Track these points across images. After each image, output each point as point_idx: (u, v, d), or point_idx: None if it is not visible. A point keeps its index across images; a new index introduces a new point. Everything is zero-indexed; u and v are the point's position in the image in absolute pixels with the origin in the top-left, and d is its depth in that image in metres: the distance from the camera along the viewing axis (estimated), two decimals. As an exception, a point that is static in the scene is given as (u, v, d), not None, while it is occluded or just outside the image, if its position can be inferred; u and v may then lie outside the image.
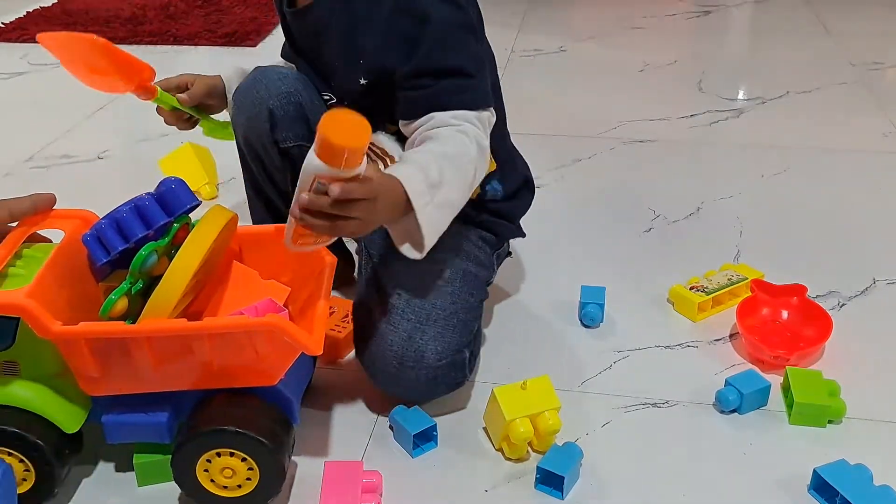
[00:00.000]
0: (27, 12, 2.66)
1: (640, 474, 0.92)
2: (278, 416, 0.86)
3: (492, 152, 1.04)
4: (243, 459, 0.84)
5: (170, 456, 0.90)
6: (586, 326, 1.16)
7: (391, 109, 1.01)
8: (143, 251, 0.84)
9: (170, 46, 2.37)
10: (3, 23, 2.57)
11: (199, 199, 0.89)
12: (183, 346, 0.82)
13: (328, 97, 1.07)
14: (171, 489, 0.89)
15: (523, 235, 1.18)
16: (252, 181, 1.15)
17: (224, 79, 1.16)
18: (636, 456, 0.95)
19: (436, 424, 0.96)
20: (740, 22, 2.60)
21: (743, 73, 2.15)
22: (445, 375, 0.97)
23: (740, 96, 1.98)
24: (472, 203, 1.06)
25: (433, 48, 0.95)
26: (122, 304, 0.84)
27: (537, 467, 0.90)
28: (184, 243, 0.82)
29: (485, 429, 0.98)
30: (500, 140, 1.09)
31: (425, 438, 0.96)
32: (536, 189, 1.18)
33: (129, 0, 2.70)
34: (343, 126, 0.75)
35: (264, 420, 0.85)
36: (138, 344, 0.81)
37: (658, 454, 0.95)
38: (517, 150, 1.18)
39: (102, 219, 0.87)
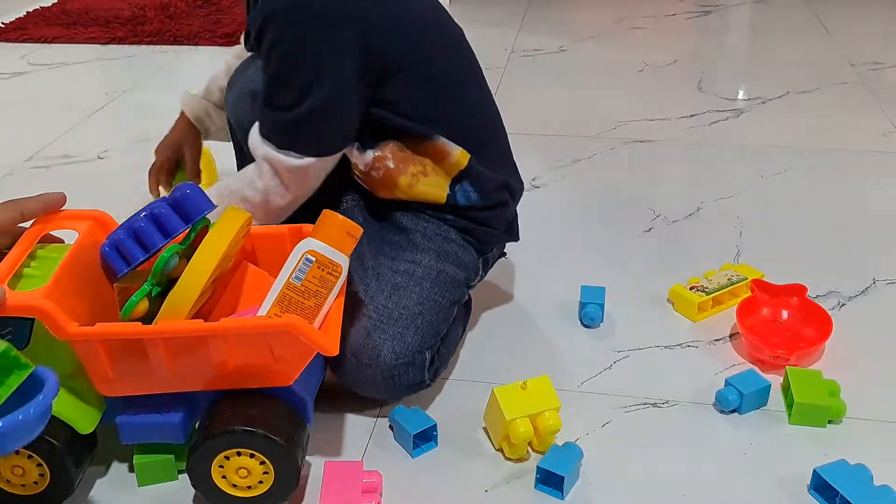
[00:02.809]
0: (27, 12, 2.66)
1: (640, 474, 0.92)
2: (293, 416, 0.86)
3: (467, 144, 1.04)
4: (262, 463, 0.84)
5: (170, 456, 0.90)
6: (586, 326, 1.16)
7: None
8: (165, 253, 0.84)
9: (170, 46, 2.37)
10: (3, 23, 2.57)
11: (215, 205, 0.88)
12: (199, 347, 0.81)
13: None
14: (178, 489, 0.90)
15: (516, 240, 1.17)
16: (244, 163, 1.16)
17: (190, 115, 1.23)
18: (636, 456, 0.95)
19: (436, 424, 0.96)
20: (740, 22, 2.60)
21: (743, 73, 2.15)
22: (402, 375, 0.97)
23: (740, 96, 1.98)
24: (449, 209, 1.07)
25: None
26: (143, 306, 0.84)
27: (537, 467, 0.90)
28: (200, 245, 0.82)
29: (485, 429, 0.98)
30: (482, 135, 1.08)
31: (425, 439, 0.96)
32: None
33: (129, 0, 2.70)
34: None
35: (279, 420, 0.84)
36: (154, 345, 0.81)
37: (658, 454, 0.95)
38: (509, 154, 1.14)
39: (119, 228, 0.86)
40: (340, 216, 0.88)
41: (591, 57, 2.26)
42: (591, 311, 1.15)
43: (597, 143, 1.73)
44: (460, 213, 1.07)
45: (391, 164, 1.03)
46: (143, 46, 2.37)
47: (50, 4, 2.73)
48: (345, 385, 1.00)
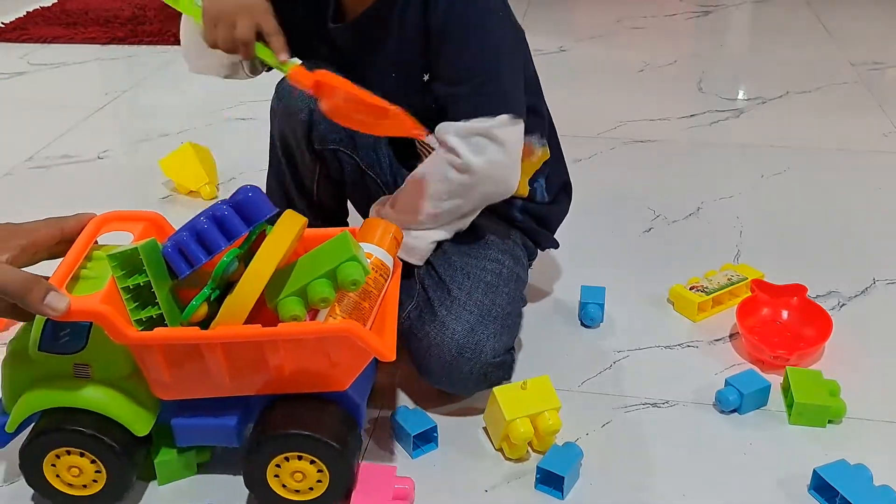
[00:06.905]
0: (27, 12, 2.65)
1: (640, 474, 0.92)
2: (347, 420, 0.86)
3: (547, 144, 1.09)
4: (312, 462, 0.84)
5: (189, 454, 0.90)
6: (586, 326, 1.16)
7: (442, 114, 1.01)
8: (225, 258, 0.83)
9: (170, 46, 2.37)
10: (3, 23, 2.57)
11: (276, 207, 0.85)
12: (256, 351, 0.81)
13: None
14: (195, 482, 0.90)
15: (557, 246, 1.18)
16: (277, 173, 1.14)
17: None
18: (636, 456, 0.95)
19: (436, 426, 0.96)
20: (740, 22, 2.60)
21: (743, 73, 2.15)
22: (494, 373, 0.98)
23: (740, 96, 1.98)
24: (521, 206, 1.10)
25: (441, 60, 0.97)
26: (203, 310, 0.83)
27: (537, 467, 0.90)
28: (259, 250, 0.81)
29: (485, 429, 0.98)
30: (549, 138, 1.13)
31: (425, 440, 0.96)
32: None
33: (129, 0, 2.70)
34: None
35: (334, 423, 0.85)
36: (212, 350, 0.80)
37: (658, 454, 0.95)
38: (561, 152, 1.17)
39: (181, 230, 0.84)
40: (385, 221, 0.92)
41: (591, 57, 2.26)
42: (591, 311, 1.15)
43: (597, 143, 1.73)
44: (530, 212, 1.10)
45: None
46: (143, 46, 2.37)
47: (50, 4, 2.73)
48: (425, 380, 0.99)
